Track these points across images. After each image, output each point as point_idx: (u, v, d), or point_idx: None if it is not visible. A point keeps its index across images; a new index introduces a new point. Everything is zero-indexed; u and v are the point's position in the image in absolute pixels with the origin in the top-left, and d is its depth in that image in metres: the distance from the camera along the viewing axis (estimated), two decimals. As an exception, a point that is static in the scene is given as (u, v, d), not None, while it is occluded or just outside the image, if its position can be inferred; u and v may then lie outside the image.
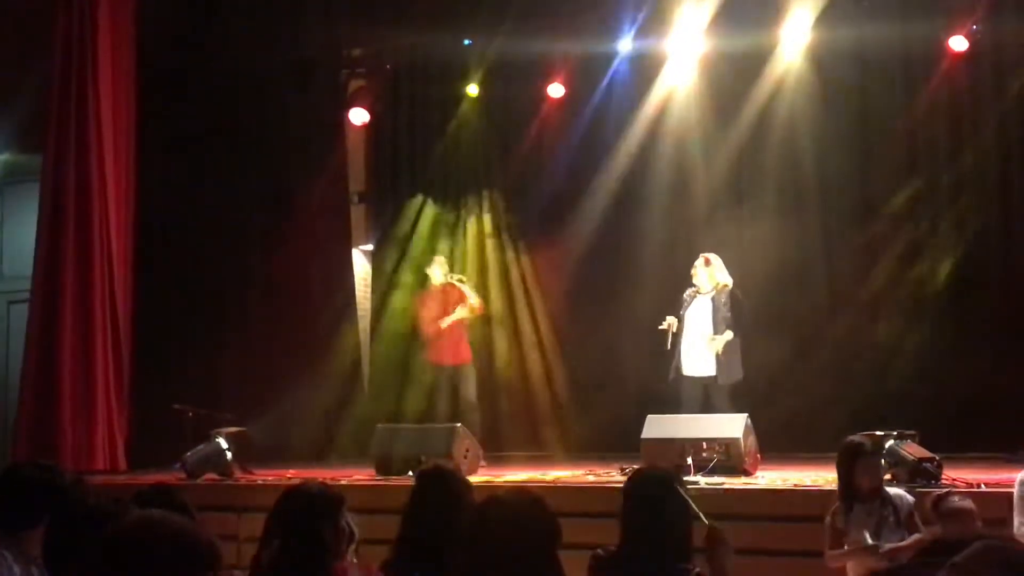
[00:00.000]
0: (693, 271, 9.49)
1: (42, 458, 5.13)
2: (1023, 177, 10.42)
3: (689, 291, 9.51)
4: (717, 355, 9.21)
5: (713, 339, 9.21)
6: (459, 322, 10.56)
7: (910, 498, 5.79)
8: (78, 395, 10.22)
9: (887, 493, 5.81)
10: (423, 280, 11.65)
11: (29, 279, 10.74)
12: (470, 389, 10.49)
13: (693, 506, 3.81)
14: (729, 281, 9.43)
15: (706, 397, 9.28)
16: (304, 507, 3.90)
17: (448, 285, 10.59)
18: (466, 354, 10.62)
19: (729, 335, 9.21)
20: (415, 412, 11.73)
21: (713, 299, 9.36)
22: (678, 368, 9.35)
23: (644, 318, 10.18)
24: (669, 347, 9.31)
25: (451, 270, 10.97)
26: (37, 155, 11.04)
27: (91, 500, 3.78)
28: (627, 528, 3.84)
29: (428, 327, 10.63)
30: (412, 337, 12.03)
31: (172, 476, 8.85)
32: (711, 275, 9.40)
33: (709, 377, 9.30)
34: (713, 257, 9.51)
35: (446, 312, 10.50)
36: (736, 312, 9.32)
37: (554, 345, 11.94)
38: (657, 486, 3.90)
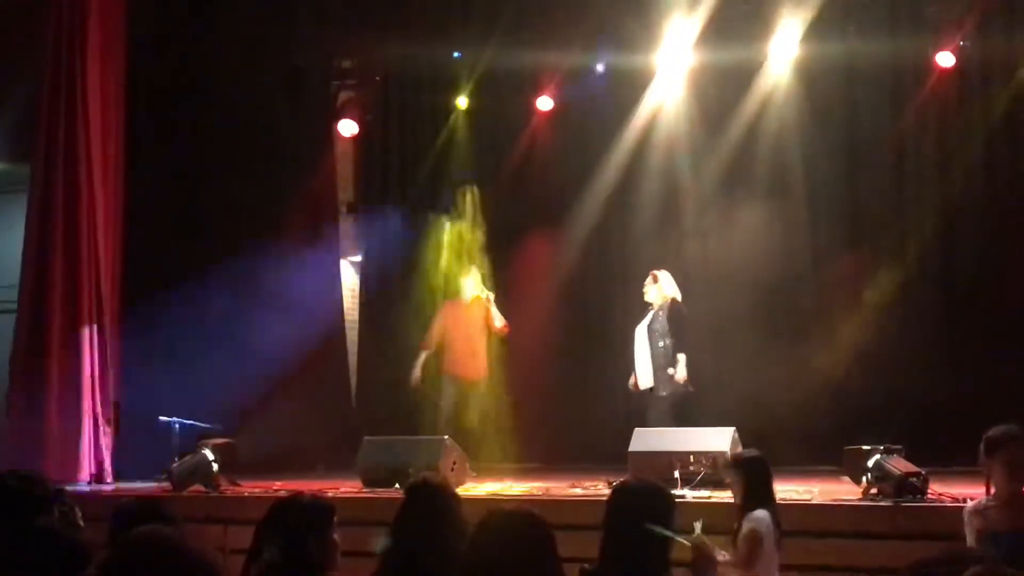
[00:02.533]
0: (645, 288, 9.68)
1: (27, 469, 5.09)
2: (1010, 191, 10.47)
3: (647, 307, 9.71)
4: (654, 371, 9.42)
5: (671, 372, 9.37)
6: (479, 337, 10.50)
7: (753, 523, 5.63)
8: (64, 406, 10.17)
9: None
10: (414, 290, 11.72)
11: (16, 289, 10.71)
12: (472, 412, 10.42)
13: (667, 533, 3.77)
14: (677, 295, 9.63)
15: (651, 409, 9.46)
16: (295, 519, 3.87)
17: (475, 300, 10.52)
18: (480, 370, 10.52)
19: (681, 358, 9.35)
20: (403, 424, 11.71)
21: (656, 313, 9.57)
22: (636, 382, 9.65)
23: (632, 329, 10.20)
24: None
25: (444, 282, 10.96)
26: (25, 165, 11.01)
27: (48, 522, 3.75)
28: (609, 539, 3.84)
29: (449, 341, 10.58)
30: (399, 348, 12.03)
31: (158, 488, 8.81)
32: (660, 290, 9.61)
33: (646, 392, 9.55)
34: (661, 273, 9.71)
35: (467, 326, 10.45)
36: (674, 325, 9.47)
37: (542, 356, 11.93)
38: (642, 498, 3.90)
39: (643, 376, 9.58)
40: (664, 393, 9.42)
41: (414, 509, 4.16)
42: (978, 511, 5.10)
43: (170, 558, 2.28)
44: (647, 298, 9.66)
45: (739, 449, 8.27)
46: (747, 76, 11.05)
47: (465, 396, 10.47)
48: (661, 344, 9.44)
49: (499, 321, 10.51)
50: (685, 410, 9.42)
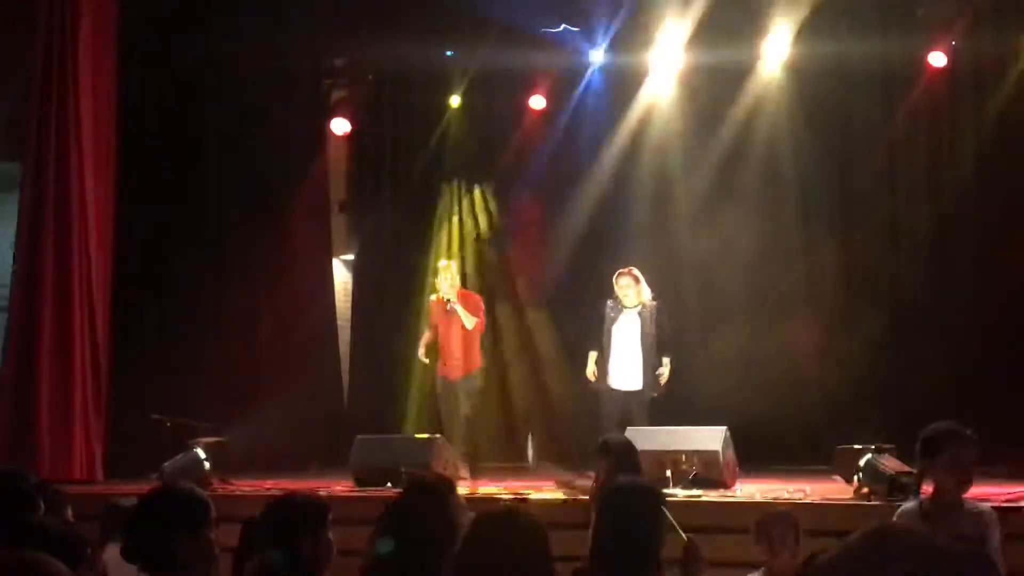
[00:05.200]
0: (623, 289, 9.44)
1: (10, 465, 5.08)
2: (1002, 191, 10.50)
3: (611, 304, 9.53)
4: (643, 372, 9.34)
5: (660, 373, 9.35)
6: (459, 335, 10.20)
7: None
8: (56, 404, 10.14)
9: None
10: (406, 289, 11.71)
11: (7, 287, 10.69)
12: (465, 406, 10.15)
13: (673, 521, 3.81)
14: (650, 296, 9.50)
15: (626, 410, 9.35)
16: (289, 518, 3.86)
17: (458, 297, 10.23)
18: (469, 366, 10.21)
19: (667, 361, 9.37)
20: (396, 423, 11.71)
21: (640, 314, 9.42)
22: (605, 380, 9.47)
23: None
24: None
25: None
26: (16, 164, 10.99)
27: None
28: (599, 538, 3.84)
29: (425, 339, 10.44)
30: (392, 347, 12.02)
31: (149, 486, 8.79)
32: (639, 292, 9.45)
33: (633, 391, 9.40)
34: (639, 273, 9.52)
35: (447, 324, 10.22)
36: (665, 329, 9.42)
37: (534, 355, 11.94)
38: (631, 497, 3.91)
39: (629, 378, 9.41)
40: (652, 395, 9.36)
41: (412, 505, 4.12)
42: (915, 516, 4.66)
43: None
44: (629, 299, 9.43)
45: (730, 449, 8.30)
46: (739, 76, 11.07)
47: (453, 395, 10.32)
48: (649, 346, 9.36)
49: (469, 323, 10.14)
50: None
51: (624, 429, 8.87)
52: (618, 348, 9.47)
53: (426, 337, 10.39)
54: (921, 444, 4.66)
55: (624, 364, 9.44)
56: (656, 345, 9.37)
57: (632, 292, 9.45)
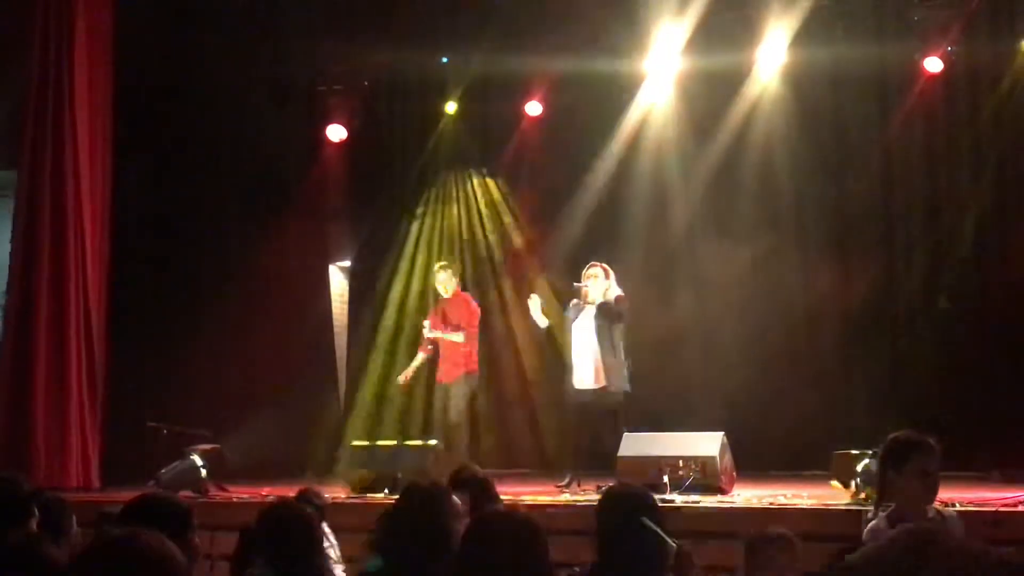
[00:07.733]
0: (589, 278, 9.16)
1: (4, 472, 5.05)
2: (997, 197, 10.51)
3: (575, 302, 9.29)
4: (605, 368, 9.03)
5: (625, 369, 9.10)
6: (450, 339, 10.01)
7: None
8: (51, 411, 10.13)
9: None
10: (403, 295, 11.69)
11: (2, 294, 10.68)
12: (452, 411, 9.92)
13: (659, 531, 3.79)
14: (618, 293, 9.20)
15: (592, 411, 9.14)
16: (282, 526, 3.86)
17: (454, 297, 10.10)
18: (456, 372, 9.98)
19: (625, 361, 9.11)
20: (391, 430, 11.70)
21: (600, 309, 9.10)
22: (569, 383, 9.19)
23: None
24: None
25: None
26: (11, 171, 10.98)
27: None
28: (601, 546, 3.84)
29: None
30: (388, 354, 12.01)
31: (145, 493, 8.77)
32: (607, 287, 9.16)
33: (594, 389, 9.10)
34: (610, 269, 9.25)
35: (440, 329, 10.07)
36: (624, 323, 9.13)
37: (531, 364, 11.93)
38: (630, 504, 3.90)
39: (587, 377, 9.09)
40: (617, 391, 9.06)
41: (409, 510, 4.10)
42: (883, 532, 4.32)
43: (140, 557, 2.20)
44: (593, 291, 9.09)
45: (727, 454, 8.28)
46: (735, 82, 11.07)
47: (443, 400, 10.14)
48: (607, 344, 9.03)
49: (456, 338, 9.94)
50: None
51: (589, 436, 8.83)
52: (577, 347, 9.18)
53: (425, 342, 10.22)
54: (886, 455, 4.51)
55: (582, 363, 9.14)
56: (619, 341, 9.08)
57: (599, 283, 9.12)
